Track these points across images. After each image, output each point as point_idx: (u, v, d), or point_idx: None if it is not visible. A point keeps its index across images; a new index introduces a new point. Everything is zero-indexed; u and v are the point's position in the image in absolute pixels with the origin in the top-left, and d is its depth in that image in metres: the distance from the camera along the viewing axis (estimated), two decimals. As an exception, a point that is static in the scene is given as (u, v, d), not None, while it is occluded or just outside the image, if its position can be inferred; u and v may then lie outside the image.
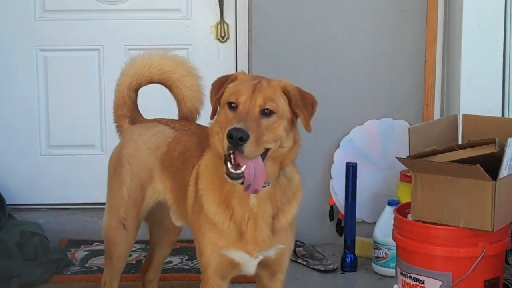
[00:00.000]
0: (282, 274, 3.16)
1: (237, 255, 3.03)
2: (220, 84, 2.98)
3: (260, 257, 3.04)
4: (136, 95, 3.68)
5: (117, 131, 3.69)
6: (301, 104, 2.95)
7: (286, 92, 2.94)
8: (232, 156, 2.79)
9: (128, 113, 3.65)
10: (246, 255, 3.02)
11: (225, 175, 2.83)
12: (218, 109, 2.99)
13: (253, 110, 2.84)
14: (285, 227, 3.06)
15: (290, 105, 2.94)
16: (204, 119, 3.14)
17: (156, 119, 3.63)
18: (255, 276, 3.20)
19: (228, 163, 2.81)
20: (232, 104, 2.87)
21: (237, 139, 2.71)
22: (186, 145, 3.37)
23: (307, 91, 3.05)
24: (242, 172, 2.79)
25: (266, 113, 2.85)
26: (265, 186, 2.91)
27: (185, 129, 3.47)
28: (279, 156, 2.91)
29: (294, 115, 2.96)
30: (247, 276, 3.23)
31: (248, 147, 2.73)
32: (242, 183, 2.82)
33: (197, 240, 3.12)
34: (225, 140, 2.74)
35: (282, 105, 2.91)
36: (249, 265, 3.07)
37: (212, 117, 2.98)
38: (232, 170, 2.80)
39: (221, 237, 3.02)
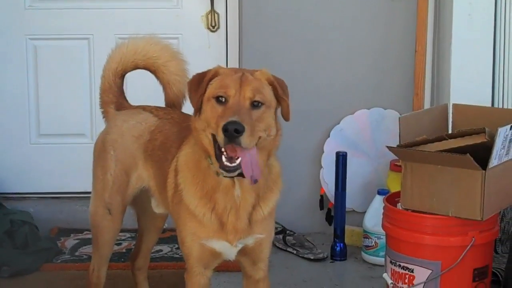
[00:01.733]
0: (263, 263, 3.17)
1: (218, 245, 3.05)
2: (198, 81, 2.97)
3: (240, 246, 3.05)
4: (122, 81, 3.68)
5: (103, 117, 3.69)
6: (283, 92, 2.97)
7: (270, 82, 2.96)
8: (224, 150, 2.80)
9: (114, 99, 3.65)
10: (227, 244, 3.04)
11: (220, 170, 2.84)
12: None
13: (244, 102, 2.84)
14: (266, 216, 3.07)
15: (275, 94, 2.95)
16: (189, 106, 3.14)
17: (141, 106, 3.63)
18: (240, 265, 3.22)
19: (223, 157, 2.81)
20: (220, 98, 2.86)
21: (232, 132, 2.71)
22: (167, 135, 3.37)
23: (279, 78, 3.04)
24: (238, 164, 2.80)
25: (255, 105, 2.87)
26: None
27: (167, 118, 3.47)
28: (266, 145, 2.92)
29: (278, 103, 2.97)
30: (234, 265, 3.23)
31: (245, 138, 2.74)
32: (238, 175, 2.84)
33: (178, 230, 3.14)
34: (221, 135, 2.74)
35: (269, 95, 2.93)
36: (230, 253, 3.08)
37: (196, 114, 2.95)
38: (228, 163, 2.81)
39: (202, 227, 3.03)
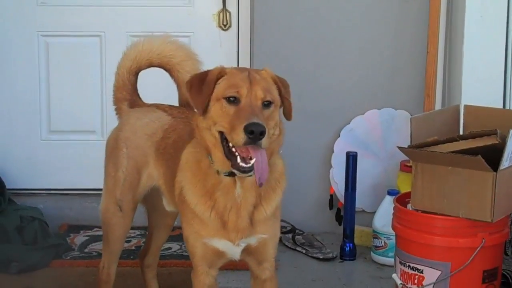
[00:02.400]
0: (268, 263, 3.16)
1: (221, 244, 3.05)
2: (200, 81, 2.95)
3: (242, 245, 3.05)
4: (136, 79, 3.69)
5: (116, 114, 3.70)
6: (286, 92, 2.98)
7: (275, 81, 2.97)
8: (237, 150, 2.81)
9: (127, 96, 3.65)
10: (229, 243, 3.03)
11: (234, 170, 2.84)
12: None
13: (256, 102, 2.84)
14: (269, 216, 3.06)
15: (279, 93, 2.96)
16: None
17: (155, 104, 3.63)
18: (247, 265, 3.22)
19: (238, 158, 2.81)
20: (231, 99, 2.85)
21: (258, 134, 2.72)
22: (180, 134, 3.37)
23: (280, 76, 3.04)
24: (252, 165, 2.80)
25: (266, 104, 2.87)
26: (251, 175, 2.91)
27: (181, 117, 3.47)
28: (271, 145, 2.91)
29: (281, 102, 2.98)
30: (243, 263, 3.23)
31: (265, 139, 2.75)
32: (250, 175, 2.85)
33: (183, 228, 3.15)
34: (242, 135, 2.73)
35: (275, 94, 2.94)
36: (233, 253, 3.08)
37: (203, 114, 2.92)
38: (243, 164, 2.81)
39: (203, 226, 3.03)
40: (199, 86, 2.93)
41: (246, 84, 2.86)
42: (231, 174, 2.93)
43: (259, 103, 2.85)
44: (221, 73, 2.94)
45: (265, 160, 2.82)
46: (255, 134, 2.72)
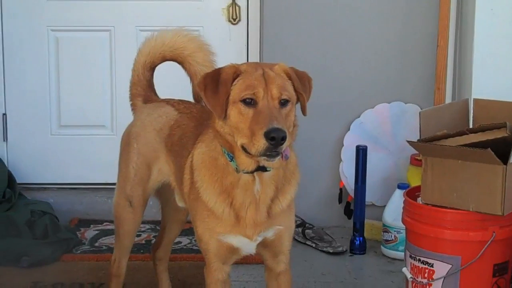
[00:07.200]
0: (284, 256, 3.15)
1: (236, 240, 3.04)
2: (213, 81, 2.87)
3: (259, 239, 3.04)
4: (152, 74, 3.68)
5: (132, 110, 3.70)
6: (301, 87, 2.93)
7: (288, 76, 2.92)
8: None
9: (142, 92, 3.65)
10: (245, 239, 3.03)
11: (262, 157, 2.76)
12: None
13: (274, 103, 2.80)
14: (284, 208, 3.05)
15: (294, 88, 2.92)
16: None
17: (166, 99, 3.63)
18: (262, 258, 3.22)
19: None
20: (247, 100, 2.81)
21: (279, 140, 2.69)
22: (184, 130, 3.36)
23: (300, 70, 3.00)
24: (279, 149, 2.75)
25: (282, 102, 2.83)
26: (268, 171, 2.90)
27: (186, 112, 3.46)
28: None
29: (297, 97, 2.95)
30: (253, 257, 3.23)
31: (286, 143, 2.73)
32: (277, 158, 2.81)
33: (195, 226, 3.13)
34: (264, 141, 2.70)
35: (291, 90, 2.89)
36: (248, 248, 3.07)
37: (222, 117, 2.85)
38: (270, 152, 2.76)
39: (218, 223, 3.02)
40: (214, 87, 2.86)
41: (262, 84, 2.81)
42: (252, 171, 2.91)
43: (276, 103, 2.81)
44: (236, 72, 2.88)
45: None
46: (276, 140, 2.69)
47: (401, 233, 4.31)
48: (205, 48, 3.61)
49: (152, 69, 3.68)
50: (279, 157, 2.79)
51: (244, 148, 2.80)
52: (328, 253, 4.59)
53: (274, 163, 2.84)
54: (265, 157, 2.78)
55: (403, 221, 3.68)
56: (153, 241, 4.12)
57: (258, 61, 4.91)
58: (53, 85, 5.21)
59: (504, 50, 4.42)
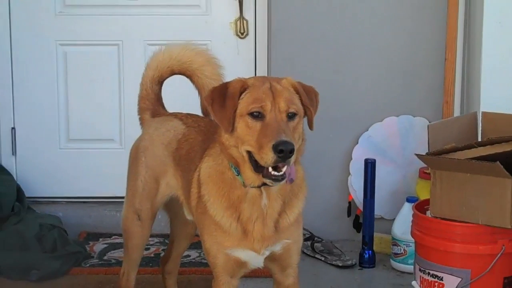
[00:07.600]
0: (292, 269, 3.15)
1: (243, 254, 3.04)
2: (221, 94, 2.89)
3: (267, 253, 3.05)
4: (160, 88, 3.70)
5: (140, 123, 3.71)
6: (308, 101, 2.94)
7: (296, 90, 2.94)
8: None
9: (150, 106, 3.67)
10: (252, 253, 3.03)
11: (266, 179, 2.80)
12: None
13: (281, 116, 2.82)
14: (292, 222, 3.06)
15: (301, 102, 2.93)
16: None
17: (174, 113, 3.64)
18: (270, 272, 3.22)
19: (270, 168, 2.78)
20: (255, 113, 2.83)
21: (288, 153, 2.70)
22: (192, 144, 3.37)
23: (307, 85, 3.01)
24: (284, 173, 2.79)
25: (290, 116, 2.85)
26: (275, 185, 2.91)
27: (194, 126, 3.47)
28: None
29: (304, 112, 2.96)
30: (262, 271, 3.23)
31: (293, 156, 2.75)
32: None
33: (203, 240, 3.14)
34: (272, 154, 2.71)
35: (298, 104, 2.91)
36: (256, 262, 3.08)
37: (229, 131, 2.87)
38: (275, 173, 2.78)
39: (226, 237, 3.03)
40: (222, 101, 2.88)
41: (269, 98, 2.83)
42: (258, 186, 2.92)
43: (284, 116, 2.82)
44: (243, 86, 2.90)
45: (293, 165, 2.82)
46: (284, 152, 2.70)
47: (411, 246, 4.30)
48: (213, 61, 3.62)
49: (160, 83, 3.69)
50: (284, 181, 2.81)
51: (250, 156, 2.81)
52: (338, 266, 4.58)
53: (270, 188, 2.90)
54: (270, 180, 2.80)
55: (412, 234, 3.68)
56: (162, 255, 4.12)
57: (266, 75, 4.92)
58: (62, 99, 5.22)
59: (512, 63, 4.43)
